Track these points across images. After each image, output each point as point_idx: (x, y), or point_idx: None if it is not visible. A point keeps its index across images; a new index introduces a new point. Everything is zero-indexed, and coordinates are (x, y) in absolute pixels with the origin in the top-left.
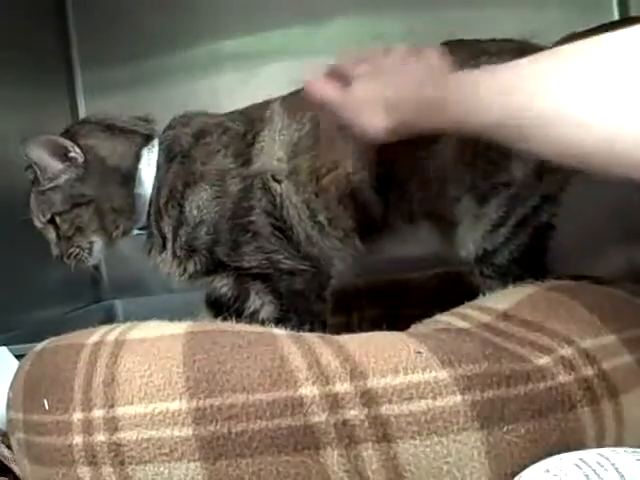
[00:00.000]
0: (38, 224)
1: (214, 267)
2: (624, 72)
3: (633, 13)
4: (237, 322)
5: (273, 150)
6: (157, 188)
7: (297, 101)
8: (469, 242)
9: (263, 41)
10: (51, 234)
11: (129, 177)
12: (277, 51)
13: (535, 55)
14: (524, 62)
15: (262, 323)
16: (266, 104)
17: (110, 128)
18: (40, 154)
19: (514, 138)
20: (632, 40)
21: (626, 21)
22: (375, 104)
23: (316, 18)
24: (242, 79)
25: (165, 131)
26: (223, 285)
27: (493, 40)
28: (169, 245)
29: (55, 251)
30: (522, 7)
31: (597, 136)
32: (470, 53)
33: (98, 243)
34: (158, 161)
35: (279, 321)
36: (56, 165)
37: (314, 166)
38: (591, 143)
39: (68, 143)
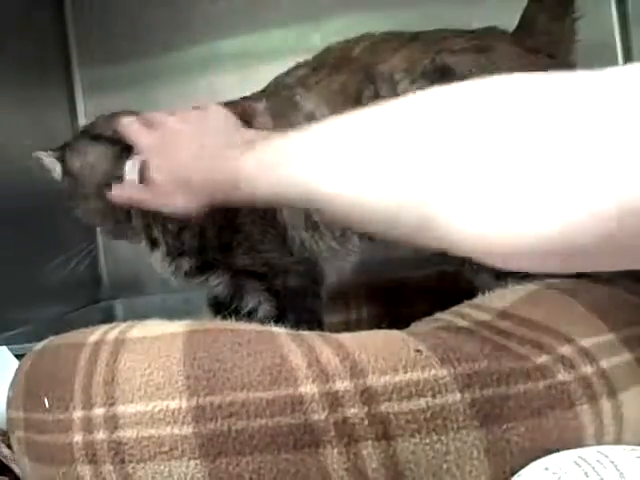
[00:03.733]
0: None
1: (207, 266)
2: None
3: (631, 11)
4: (233, 314)
5: None
6: None
7: (279, 106)
8: None
9: (262, 40)
10: None
11: (108, 185)
12: (276, 50)
13: (307, 128)
14: (294, 134)
15: (260, 322)
16: (250, 107)
17: (97, 138)
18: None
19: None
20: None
21: None
22: (177, 189)
23: (315, 17)
24: (241, 78)
25: None
26: (218, 283)
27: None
28: (162, 247)
29: None
30: (519, 3)
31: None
32: (428, 49)
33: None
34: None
35: (276, 320)
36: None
37: None
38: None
39: (50, 164)
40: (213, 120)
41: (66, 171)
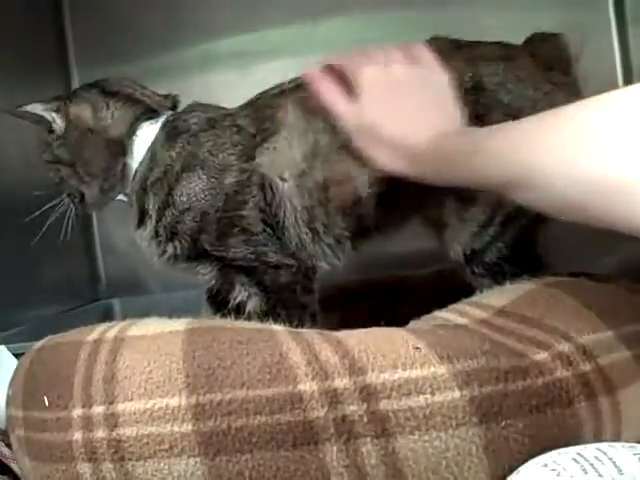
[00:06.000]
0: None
1: (196, 254)
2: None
3: (629, 13)
4: (232, 311)
5: (289, 150)
6: (149, 164)
7: (313, 104)
8: (456, 244)
9: (259, 39)
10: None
11: (118, 145)
12: (273, 50)
13: (541, 113)
14: (532, 119)
15: (249, 315)
16: (276, 102)
17: (113, 94)
18: (28, 121)
19: (525, 198)
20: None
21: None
22: (394, 148)
23: (313, 16)
24: (238, 78)
25: (179, 111)
26: (207, 273)
27: (481, 43)
28: (150, 222)
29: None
30: (517, 7)
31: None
32: (465, 60)
33: (88, 192)
34: (157, 136)
35: (266, 314)
36: (45, 129)
37: (326, 175)
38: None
39: (49, 116)
40: (437, 85)
41: (70, 121)
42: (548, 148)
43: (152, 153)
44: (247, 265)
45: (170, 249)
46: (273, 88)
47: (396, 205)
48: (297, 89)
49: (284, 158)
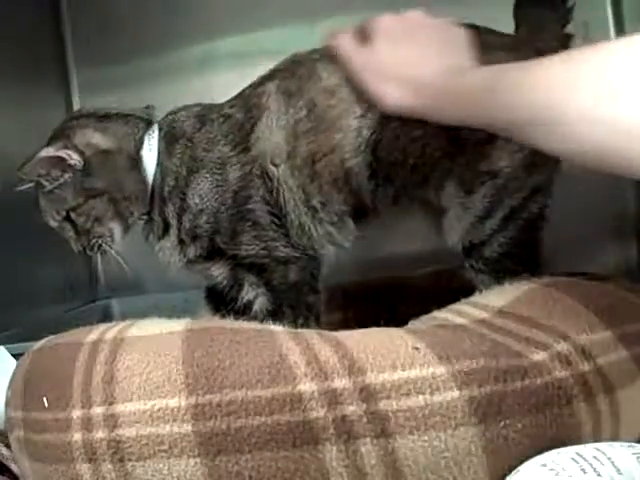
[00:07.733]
0: (53, 223)
1: (213, 253)
2: None
3: (626, 12)
4: (232, 311)
5: (272, 135)
6: (161, 175)
7: (292, 84)
8: (455, 232)
9: (259, 40)
10: (69, 231)
11: (135, 161)
12: (273, 50)
13: (562, 54)
14: (556, 60)
15: (256, 314)
16: (262, 90)
17: (106, 117)
18: (39, 173)
19: (542, 138)
20: None
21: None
22: (401, 80)
23: (312, 17)
24: (237, 78)
25: (165, 117)
26: (220, 273)
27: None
28: (173, 231)
29: (76, 247)
30: None
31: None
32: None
33: (118, 229)
34: (159, 146)
35: (272, 314)
36: (58, 174)
37: (311, 150)
38: (616, 141)
39: (63, 154)
40: (454, 36)
41: (82, 152)
42: (570, 88)
43: (161, 165)
44: (259, 262)
45: (191, 252)
46: (261, 77)
47: (390, 180)
48: (279, 72)
49: (270, 144)
